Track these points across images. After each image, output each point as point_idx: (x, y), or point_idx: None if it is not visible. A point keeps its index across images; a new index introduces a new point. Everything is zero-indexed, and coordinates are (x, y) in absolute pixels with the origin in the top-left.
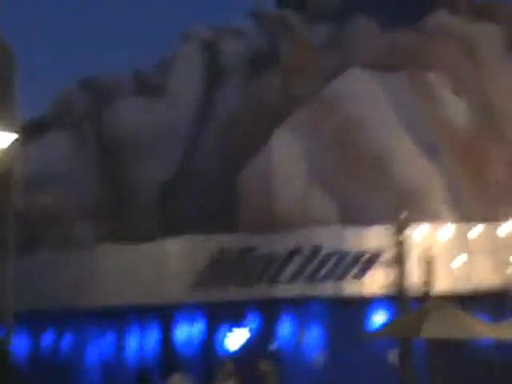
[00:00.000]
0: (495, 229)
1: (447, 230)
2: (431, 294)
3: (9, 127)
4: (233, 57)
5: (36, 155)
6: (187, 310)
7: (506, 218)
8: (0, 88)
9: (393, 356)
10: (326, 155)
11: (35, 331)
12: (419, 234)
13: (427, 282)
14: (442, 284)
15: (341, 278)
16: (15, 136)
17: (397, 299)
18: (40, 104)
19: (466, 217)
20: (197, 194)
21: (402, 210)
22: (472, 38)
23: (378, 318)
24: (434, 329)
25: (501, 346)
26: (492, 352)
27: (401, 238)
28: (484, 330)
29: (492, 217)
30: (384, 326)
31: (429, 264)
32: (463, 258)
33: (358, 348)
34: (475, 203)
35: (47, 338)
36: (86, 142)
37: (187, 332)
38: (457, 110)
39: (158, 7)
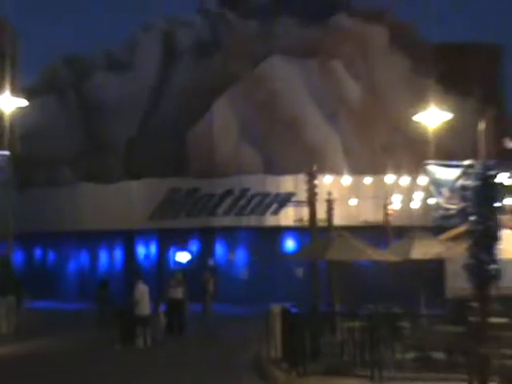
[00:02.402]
0: (379, 179)
1: (344, 180)
2: (332, 226)
3: (13, 93)
4: (184, 44)
5: (30, 114)
6: (145, 234)
7: (386, 171)
8: (6, 63)
9: (300, 272)
10: (253, 120)
11: (28, 248)
12: (324, 182)
13: (329, 218)
14: (340, 219)
15: (262, 213)
16: (23, 101)
17: (308, 230)
18: (31, 75)
19: (358, 170)
20: (154, 147)
21: (311, 163)
22: (364, 35)
23: (290, 244)
24: (336, 253)
25: (376, 266)
26: (370, 270)
27: (311, 185)
28: (370, 253)
29: (377, 170)
30: (298, 250)
31: (330, 204)
32: (355, 200)
33: (275, 266)
34: (365, 160)
35: (37, 254)
36: (69, 105)
37: (145, 251)
38: (352, 89)
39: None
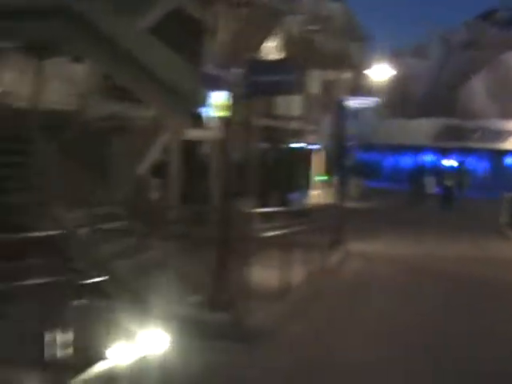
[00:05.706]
0: None
1: None
2: None
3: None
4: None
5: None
6: (427, 149)
7: None
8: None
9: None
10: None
11: (366, 152)
12: None
13: None
14: None
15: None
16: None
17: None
18: None
19: None
20: (438, 102)
21: None
22: None
23: None
24: None
25: None
26: None
27: None
28: None
29: None
30: None
31: None
32: None
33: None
34: None
35: (369, 155)
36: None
37: (428, 159)
38: None
39: None
